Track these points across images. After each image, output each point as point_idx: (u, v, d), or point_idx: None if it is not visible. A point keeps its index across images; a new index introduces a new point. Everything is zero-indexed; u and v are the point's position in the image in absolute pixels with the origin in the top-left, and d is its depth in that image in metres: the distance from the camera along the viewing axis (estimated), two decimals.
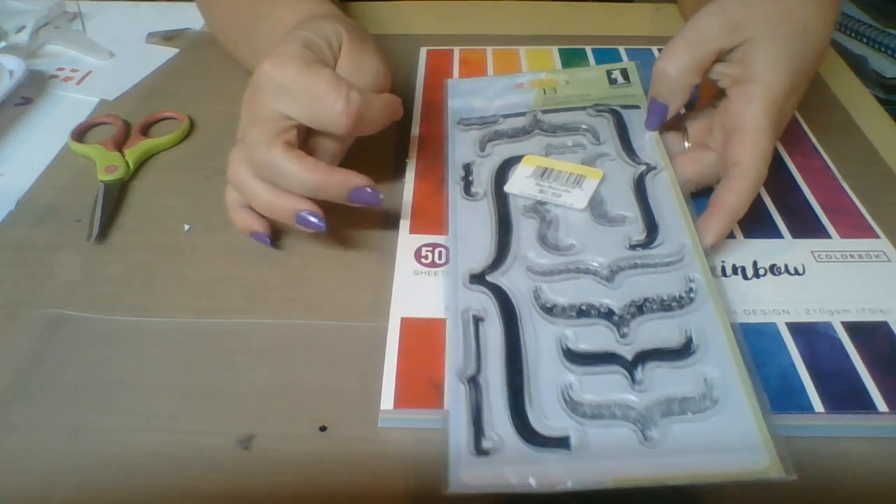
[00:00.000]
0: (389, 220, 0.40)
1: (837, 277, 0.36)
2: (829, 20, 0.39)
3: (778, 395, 0.30)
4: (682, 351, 0.31)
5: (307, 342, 0.34)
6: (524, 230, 0.37)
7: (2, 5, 0.63)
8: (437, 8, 0.66)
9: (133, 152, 0.46)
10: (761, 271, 0.36)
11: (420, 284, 0.36)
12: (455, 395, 0.30)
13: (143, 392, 0.32)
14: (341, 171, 0.35)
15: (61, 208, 0.42)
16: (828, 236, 0.39)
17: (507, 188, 0.40)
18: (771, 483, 0.27)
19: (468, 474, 0.27)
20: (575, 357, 0.31)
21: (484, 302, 0.33)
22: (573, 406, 0.29)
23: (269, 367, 0.33)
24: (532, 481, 0.27)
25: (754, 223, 0.39)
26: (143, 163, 0.46)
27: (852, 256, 0.37)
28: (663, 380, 0.30)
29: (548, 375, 0.30)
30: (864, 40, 0.80)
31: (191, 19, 0.63)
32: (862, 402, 0.30)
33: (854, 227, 0.39)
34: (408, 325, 0.34)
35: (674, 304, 0.33)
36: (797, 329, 0.33)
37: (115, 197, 0.43)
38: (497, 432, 0.28)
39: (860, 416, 0.30)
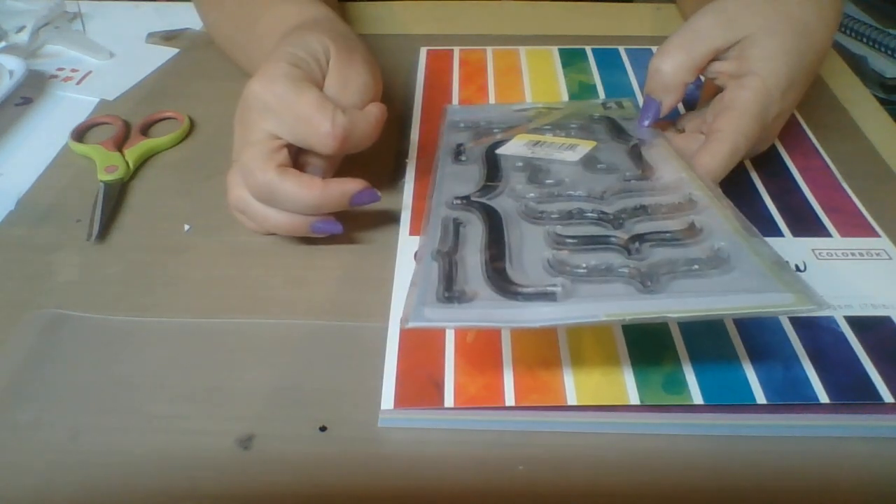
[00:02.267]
0: (389, 221, 0.40)
1: (839, 274, 0.36)
2: (830, 21, 0.39)
3: (782, 385, 0.30)
4: (686, 231, 0.28)
5: (307, 342, 0.34)
6: (514, 176, 0.36)
7: (2, 5, 0.63)
8: (437, 8, 0.66)
9: (133, 152, 0.46)
10: None
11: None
12: (427, 265, 0.27)
13: (143, 392, 0.32)
14: (336, 181, 0.36)
15: (61, 208, 0.42)
16: (828, 235, 0.39)
17: (500, 151, 0.39)
18: (799, 315, 0.24)
19: (433, 312, 0.24)
20: (563, 239, 0.28)
21: (467, 216, 0.32)
22: (560, 268, 0.26)
23: (269, 367, 0.33)
24: (509, 321, 0.24)
25: (755, 222, 0.39)
26: (143, 163, 0.46)
27: (853, 254, 0.37)
28: (665, 252, 0.27)
29: (533, 254, 0.28)
30: (864, 40, 0.80)
31: (191, 19, 0.63)
32: (867, 393, 0.30)
33: (854, 225, 0.39)
34: None
35: (673, 208, 0.31)
36: (800, 322, 0.33)
37: (115, 197, 0.43)
38: (471, 286, 0.26)
39: (865, 417, 0.30)
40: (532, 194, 0.34)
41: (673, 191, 0.33)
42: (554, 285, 0.25)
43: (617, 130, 0.42)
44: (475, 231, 0.30)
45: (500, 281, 0.25)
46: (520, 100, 0.51)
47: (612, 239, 0.28)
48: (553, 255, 0.27)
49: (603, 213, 0.30)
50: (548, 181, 0.35)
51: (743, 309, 0.23)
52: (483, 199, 0.33)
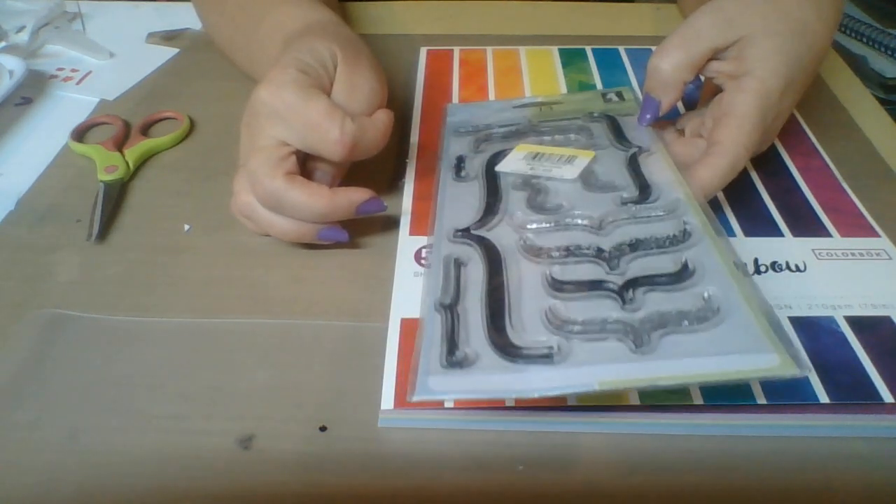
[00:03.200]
0: (389, 221, 0.40)
1: (839, 274, 0.36)
2: (829, 21, 0.39)
3: (782, 386, 0.30)
4: (678, 274, 0.30)
5: (307, 342, 0.34)
6: (513, 198, 0.37)
7: (2, 5, 0.63)
8: (437, 8, 0.66)
9: (133, 152, 0.46)
10: (762, 268, 0.36)
11: (420, 285, 0.36)
12: (431, 323, 0.28)
13: (143, 392, 0.32)
14: (343, 190, 0.36)
15: (61, 208, 0.42)
16: (828, 235, 0.39)
17: (499, 168, 0.40)
18: (782, 380, 0.25)
19: (436, 382, 0.25)
20: (560, 285, 0.30)
21: (467, 250, 0.33)
22: (557, 324, 0.28)
23: (269, 367, 0.33)
24: (509, 389, 0.25)
25: (755, 222, 0.40)
26: (143, 163, 0.46)
27: (853, 254, 0.37)
28: (657, 299, 0.29)
29: (531, 302, 0.29)
30: (864, 40, 0.80)
31: (191, 19, 0.62)
32: (867, 393, 0.30)
33: (854, 225, 0.39)
34: (408, 325, 0.34)
35: (667, 242, 0.32)
36: (799, 323, 0.33)
37: (115, 197, 0.43)
38: (472, 348, 0.27)
39: (865, 417, 0.30)
40: (532, 225, 0.35)
41: (669, 217, 0.34)
42: (550, 347, 0.27)
43: (616, 132, 0.42)
44: (476, 272, 0.31)
45: (500, 342, 0.27)
46: None
47: (608, 285, 0.30)
48: (550, 307, 0.29)
49: (599, 249, 0.32)
50: (547, 205, 0.36)
51: (728, 376, 0.25)
52: (482, 232, 0.34)
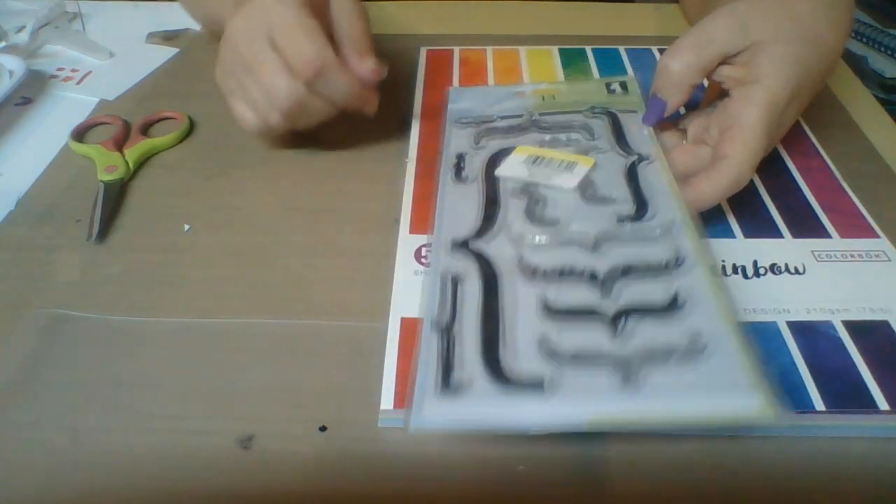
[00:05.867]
0: (389, 221, 0.40)
1: (838, 277, 0.36)
2: (841, 31, 0.39)
3: (779, 393, 0.30)
4: (669, 307, 0.30)
5: (307, 342, 0.34)
6: (512, 207, 0.37)
7: (2, 5, 0.63)
8: (437, 8, 0.66)
9: (133, 152, 0.46)
10: (762, 270, 0.36)
11: (420, 284, 0.36)
12: (427, 344, 0.29)
13: (143, 392, 0.32)
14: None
15: (61, 208, 0.42)
16: (828, 236, 0.39)
17: (498, 172, 0.40)
18: (759, 426, 0.26)
19: (432, 411, 0.26)
20: (554, 312, 0.30)
21: (465, 266, 0.33)
22: (549, 352, 0.29)
23: (269, 367, 0.33)
24: (501, 421, 0.26)
25: (754, 223, 0.40)
26: (143, 163, 0.46)
27: (852, 256, 0.37)
28: (647, 332, 0.29)
29: (525, 327, 0.30)
30: (864, 40, 0.80)
31: (191, 19, 0.63)
32: (863, 401, 0.30)
33: (854, 226, 0.39)
34: (408, 325, 0.34)
35: (660, 268, 0.32)
36: (797, 328, 0.33)
37: (115, 197, 0.43)
38: (467, 373, 0.28)
39: (861, 417, 0.30)
40: (529, 239, 0.35)
41: (663, 238, 0.34)
42: (542, 377, 0.28)
43: (618, 133, 0.42)
44: (472, 290, 0.32)
45: (494, 369, 0.28)
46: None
47: (600, 313, 0.30)
48: (543, 335, 0.29)
49: (593, 275, 0.32)
50: (546, 217, 0.36)
51: (711, 420, 0.27)
52: (481, 245, 0.35)
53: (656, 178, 0.38)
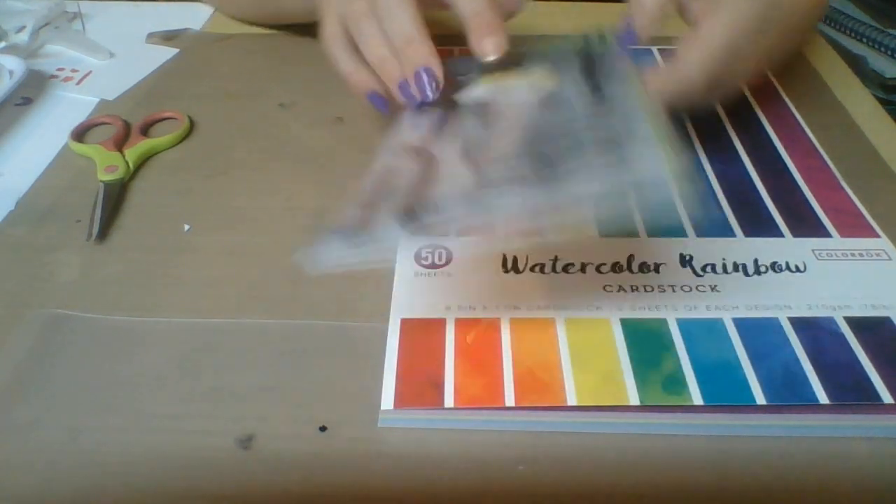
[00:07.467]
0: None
1: (839, 275, 0.36)
2: None
3: (782, 386, 0.30)
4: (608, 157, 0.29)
5: (307, 342, 0.34)
6: (467, 119, 0.36)
7: (2, 5, 0.63)
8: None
9: (133, 152, 0.46)
10: (762, 269, 0.36)
11: (420, 285, 0.36)
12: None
13: (143, 392, 0.32)
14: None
15: (61, 208, 0.42)
16: (828, 235, 0.39)
17: (457, 97, 0.39)
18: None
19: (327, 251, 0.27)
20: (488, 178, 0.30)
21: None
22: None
23: (269, 367, 0.33)
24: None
25: (754, 222, 0.40)
26: (143, 163, 0.46)
27: (853, 255, 0.37)
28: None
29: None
30: (864, 40, 0.80)
31: (191, 19, 0.63)
32: (867, 394, 0.30)
33: (854, 226, 0.39)
34: (408, 325, 0.34)
35: (608, 142, 0.30)
36: (800, 323, 0.33)
37: (115, 197, 0.43)
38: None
39: (863, 416, 0.30)
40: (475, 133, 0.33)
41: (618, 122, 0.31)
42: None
43: (589, 70, 0.39)
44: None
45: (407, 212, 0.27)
46: None
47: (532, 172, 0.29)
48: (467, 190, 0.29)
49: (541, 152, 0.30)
50: (498, 125, 0.35)
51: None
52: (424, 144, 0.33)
53: (623, 88, 0.35)
